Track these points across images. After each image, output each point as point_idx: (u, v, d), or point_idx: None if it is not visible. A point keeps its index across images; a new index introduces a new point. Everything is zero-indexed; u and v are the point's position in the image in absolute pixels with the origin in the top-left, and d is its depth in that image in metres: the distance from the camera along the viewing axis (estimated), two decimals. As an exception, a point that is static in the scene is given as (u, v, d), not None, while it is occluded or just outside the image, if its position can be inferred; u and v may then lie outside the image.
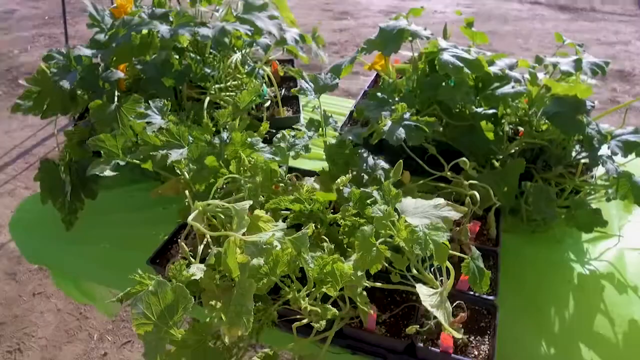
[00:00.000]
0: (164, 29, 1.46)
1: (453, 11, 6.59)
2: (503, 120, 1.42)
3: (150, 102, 1.23)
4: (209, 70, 1.50)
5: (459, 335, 0.87)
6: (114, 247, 1.45)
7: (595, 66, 1.41)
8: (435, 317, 0.98)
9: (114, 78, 1.44)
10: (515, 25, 6.42)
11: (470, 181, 1.20)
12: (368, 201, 1.02)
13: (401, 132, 1.17)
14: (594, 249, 1.33)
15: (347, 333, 1.04)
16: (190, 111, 1.52)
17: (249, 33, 1.44)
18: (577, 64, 1.37)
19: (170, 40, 1.53)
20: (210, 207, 1.03)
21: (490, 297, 1.08)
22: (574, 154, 1.41)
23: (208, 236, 1.04)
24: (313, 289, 0.85)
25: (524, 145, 1.41)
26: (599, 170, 1.43)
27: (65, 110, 1.55)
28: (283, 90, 1.88)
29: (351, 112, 1.73)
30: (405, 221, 0.92)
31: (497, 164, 1.41)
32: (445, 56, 1.30)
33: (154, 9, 1.61)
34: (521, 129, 1.50)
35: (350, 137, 1.22)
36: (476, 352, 1.00)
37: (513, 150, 1.42)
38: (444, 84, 1.40)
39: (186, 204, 1.16)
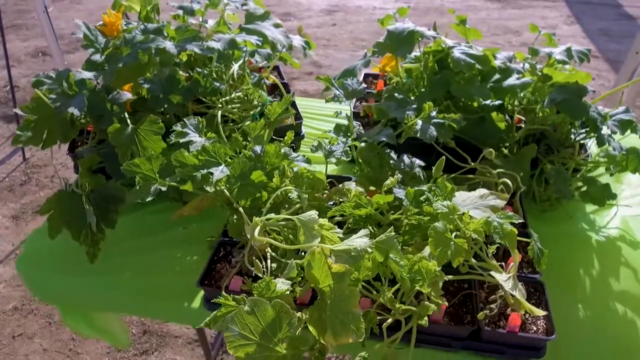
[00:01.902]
0: (169, 45, 1.42)
1: (392, 7, 6.79)
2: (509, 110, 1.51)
3: (185, 120, 1.20)
4: (217, 84, 1.47)
5: (542, 313, 0.93)
6: (138, 274, 1.40)
7: (581, 54, 1.55)
8: (498, 299, 1.05)
9: (122, 100, 1.38)
10: (451, 17, 6.72)
11: (499, 170, 1.28)
12: (421, 198, 1.07)
13: (433, 130, 1.23)
14: (602, 219, 1.46)
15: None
16: (202, 126, 1.49)
17: (259, 43, 1.43)
18: (569, 53, 1.50)
19: (172, 56, 1.50)
20: (271, 222, 1.03)
21: (535, 276, 1.16)
22: (572, 136, 1.53)
23: (270, 250, 1.05)
24: (402, 289, 0.88)
25: (528, 131, 1.52)
26: (593, 149, 1.57)
27: (66, 138, 1.47)
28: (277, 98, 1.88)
29: (353, 114, 1.76)
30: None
31: (505, 151, 1.50)
32: (457, 53, 1.37)
33: (145, 24, 1.56)
34: (517, 116, 1.61)
35: (383, 139, 1.26)
36: (535, 328, 1.07)
37: (518, 138, 1.52)
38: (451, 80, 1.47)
39: (234, 220, 1.15)
